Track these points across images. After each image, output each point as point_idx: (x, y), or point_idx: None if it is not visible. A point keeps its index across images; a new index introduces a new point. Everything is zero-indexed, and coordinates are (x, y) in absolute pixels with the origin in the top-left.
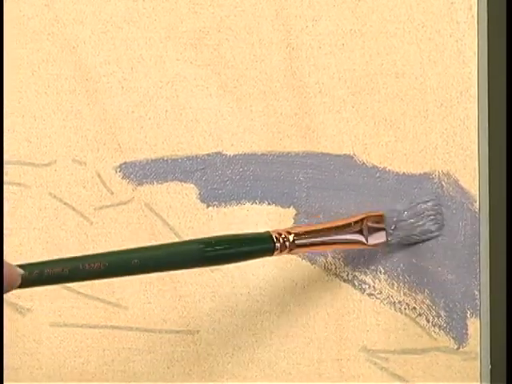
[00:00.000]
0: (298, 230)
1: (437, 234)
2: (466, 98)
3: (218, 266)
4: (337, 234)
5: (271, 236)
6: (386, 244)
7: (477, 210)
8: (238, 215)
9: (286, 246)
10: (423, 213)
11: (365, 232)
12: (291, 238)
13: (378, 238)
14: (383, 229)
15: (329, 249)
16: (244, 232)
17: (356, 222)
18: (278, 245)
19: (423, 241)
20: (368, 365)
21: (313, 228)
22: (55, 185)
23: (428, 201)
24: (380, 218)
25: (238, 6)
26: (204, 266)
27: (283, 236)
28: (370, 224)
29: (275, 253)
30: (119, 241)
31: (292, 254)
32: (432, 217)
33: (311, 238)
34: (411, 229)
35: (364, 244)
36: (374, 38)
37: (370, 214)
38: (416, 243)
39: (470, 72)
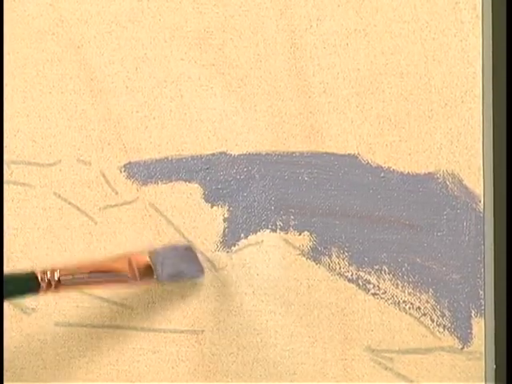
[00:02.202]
0: (64, 268)
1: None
2: (470, 97)
3: (223, 266)
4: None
5: (36, 275)
6: (156, 280)
7: (481, 210)
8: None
9: (51, 285)
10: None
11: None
12: (56, 276)
13: (149, 276)
14: (151, 268)
15: (99, 288)
16: (11, 272)
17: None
18: (43, 284)
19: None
20: (372, 364)
21: (81, 266)
22: (60, 184)
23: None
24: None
25: (242, 5)
26: None
27: (48, 275)
28: (138, 266)
29: (41, 292)
30: (124, 240)
31: (60, 292)
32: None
33: (78, 276)
34: (176, 267)
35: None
36: (379, 38)
37: (136, 259)
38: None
39: (474, 72)
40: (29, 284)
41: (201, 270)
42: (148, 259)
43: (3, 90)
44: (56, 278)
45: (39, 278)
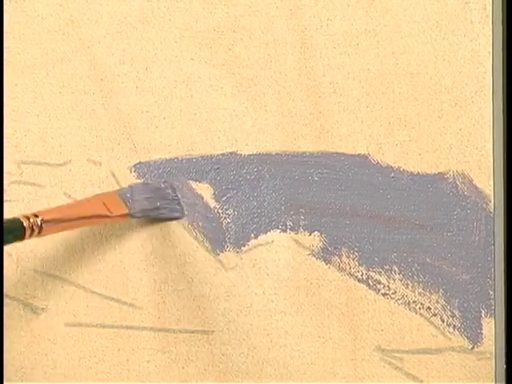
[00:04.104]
0: (45, 213)
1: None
2: (480, 97)
3: (233, 266)
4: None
5: (20, 221)
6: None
7: (491, 210)
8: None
9: (34, 229)
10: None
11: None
12: (38, 220)
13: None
14: (122, 203)
15: (79, 227)
16: None
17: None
18: (27, 229)
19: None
20: (382, 365)
21: (61, 209)
22: (70, 185)
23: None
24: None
25: (252, 5)
26: None
27: (31, 220)
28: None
29: (26, 236)
30: (133, 240)
31: (44, 235)
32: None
33: (59, 219)
34: (149, 202)
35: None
36: (389, 38)
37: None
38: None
39: (484, 72)
40: (14, 230)
41: (180, 210)
42: (117, 196)
43: (3, 90)
44: (39, 223)
45: (23, 223)
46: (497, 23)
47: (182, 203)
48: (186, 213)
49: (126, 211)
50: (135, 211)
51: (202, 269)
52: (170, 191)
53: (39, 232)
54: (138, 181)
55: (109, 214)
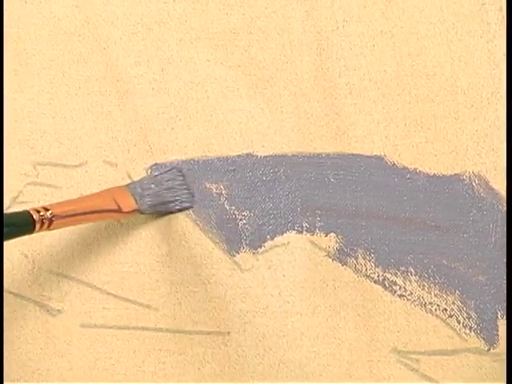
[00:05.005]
0: (56, 206)
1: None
2: (496, 99)
3: (249, 267)
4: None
5: (30, 214)
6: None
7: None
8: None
9: (44, 223)
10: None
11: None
12: (49, 214)
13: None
14: (132, 199)
15: (89, 222)
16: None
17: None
18: (37, 222)
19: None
20: (399, 366)
21: (71, 203)
22: (86, 186)
23: (168, 171)
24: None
25: (268, 7)
26: None
27: (41, 213)
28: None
29: (36, 230)
30: (149, 241)
31: (53, 228)
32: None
33: (69, 213)
34: (158, 197)
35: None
36: (405, 40)
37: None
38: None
39: (500, 73)
40: (24, 223)
41: (190, 199)
42: (126, 191)
43: (3, 90)
44: (49, 216)
45: (33, 217)
46: None
47: (190, 190)
48: (203, 215)
49: (136, 207)
50: (144, 207)
51: (218, 270)
52: (177, 180)
53: (49, 226)
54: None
55: (118, 208)
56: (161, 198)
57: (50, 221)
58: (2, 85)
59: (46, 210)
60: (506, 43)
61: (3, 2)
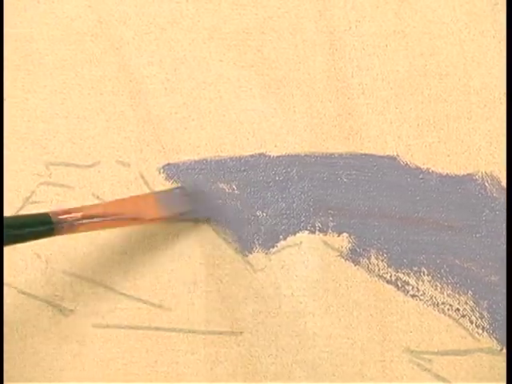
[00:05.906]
0: (78, 210)
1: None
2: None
3: (261, 267)
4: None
5: (50, 217)
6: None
7: None
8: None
9: (64, 227)
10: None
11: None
12: (70, 218)
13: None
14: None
15: (111, 227)
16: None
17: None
18: (58, 226)
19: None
20: (411, 366)
21: (94, 208)
22: (99, 186)
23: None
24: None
25: (281, 6)
26: None
27: (63, 217)
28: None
29: (56, 233)
30: (162, 241)
31: (75, 233)
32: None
33: (91, 218)
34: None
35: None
36: (418, 39)
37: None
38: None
39: None
40: (44, 226)
41: (209, 209)
42: (153, 199)
43: (3, 90)
44: (70, 220)
45: (54, 221)
46: None
47: (209, 204)
48: (216, 214)
49: (160, 215)
50: (169, 215)
51: (231, 270)
52: (199, 194)
53: (71, 230)
54: (167, 182)
55: (141, 217)
56: (185, 207)
57: (72, 225)
58: (2, 85)
59: (69, 213)
60: (507, 43)
61: (3, 2)
